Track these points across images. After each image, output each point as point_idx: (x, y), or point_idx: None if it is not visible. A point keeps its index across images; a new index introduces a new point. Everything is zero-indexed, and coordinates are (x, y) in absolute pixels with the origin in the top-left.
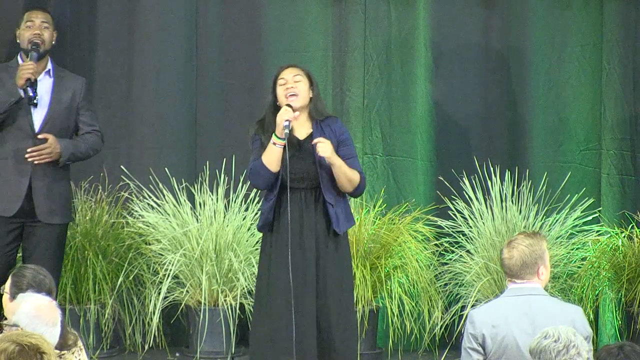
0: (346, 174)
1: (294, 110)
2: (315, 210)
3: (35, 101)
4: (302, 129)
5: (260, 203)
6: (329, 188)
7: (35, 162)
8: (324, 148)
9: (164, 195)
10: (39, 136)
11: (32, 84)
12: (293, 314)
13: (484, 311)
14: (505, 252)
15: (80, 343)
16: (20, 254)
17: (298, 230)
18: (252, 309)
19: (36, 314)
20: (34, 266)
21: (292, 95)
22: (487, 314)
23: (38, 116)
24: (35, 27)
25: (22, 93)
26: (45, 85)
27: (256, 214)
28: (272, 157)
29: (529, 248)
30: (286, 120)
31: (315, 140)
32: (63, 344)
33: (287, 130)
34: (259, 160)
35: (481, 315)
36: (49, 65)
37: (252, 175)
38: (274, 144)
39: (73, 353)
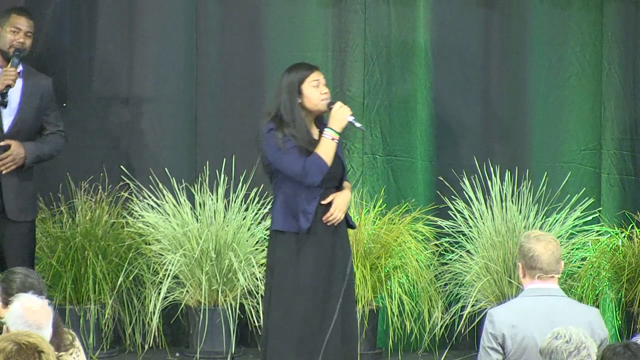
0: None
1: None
2: None
3: (5, 101)
4: (314, 131)
5: (269, 204)
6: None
7: (3, 172)
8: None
9: (164, 195)
10: (1, 143)
11: (12, 87)
12: (336, 315)
13: (504, 311)
14: (540, 247)
15: (77, 343)
16: None
17: (333, 230)
18: (263, 308)
19: (21, 314)
20: (22, 269)
21: (328, 99)
22: (507, 314)
23: (7, 118)
24: (20, 35)
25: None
26: (16, 87)
27: (256, 213)
28: (331, 152)
29: (558, 243)
30: (350, 115)
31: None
32: (60, 345)
33: (358, 124)
34: (317, 156)
35: (501, 314)
36: (20, 67)
37: (313, 172)
38: (333, 139)
39: (71, 354)
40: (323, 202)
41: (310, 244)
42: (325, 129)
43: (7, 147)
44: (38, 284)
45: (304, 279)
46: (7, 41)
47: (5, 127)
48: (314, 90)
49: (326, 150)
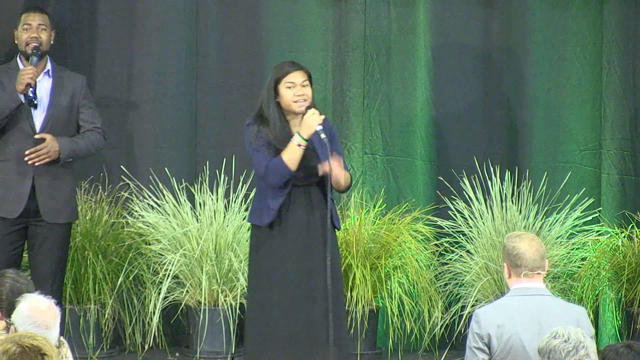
0: (346, 178)
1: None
2: (320, 206)
3: (35, 102)
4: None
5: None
6: (329, 184)
7: (35, 163)
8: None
9: (164, 195)
10: (36, 136)
11: (32, 86)
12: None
13: (490, 310)
14: (524, 244)
15: (65, 350)
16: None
17: (305, 226)
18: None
19: (29, 314)
20: (12, 273)
21: (304, 101)
22: (493, 314)
23: (38, 117)
24: (32, 30)
25: (22, 98)
26: (44, 86)
27: None
28: (295, 157)
29: (540, 241)
30: (319, 125)
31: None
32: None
33: (323, 135)
34: (280, 160)
35: (487, 314)
36: (49, 66)
37: (272, 173)
38: (299, 145)
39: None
40: (320, 175)
41: (276, 237)
42: (295, 134)
43: (42, 141)
44: (26, 289)
45: (272, 272)
46: (22, 41)
47: (37, 128)
48: (288, 91)
49: (290, 155)
